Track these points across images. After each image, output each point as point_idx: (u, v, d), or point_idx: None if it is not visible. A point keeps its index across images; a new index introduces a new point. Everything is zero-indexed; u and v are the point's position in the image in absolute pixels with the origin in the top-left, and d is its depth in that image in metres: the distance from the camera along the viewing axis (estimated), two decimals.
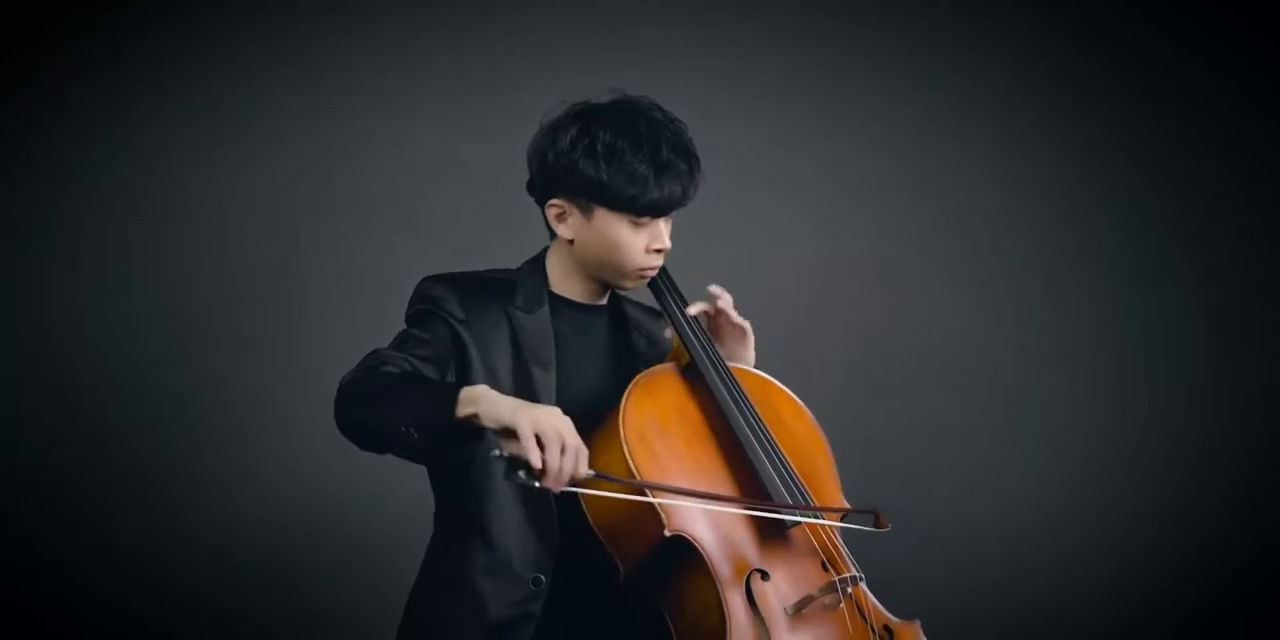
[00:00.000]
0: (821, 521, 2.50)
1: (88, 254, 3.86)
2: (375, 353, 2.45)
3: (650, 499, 2.40)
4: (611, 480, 2.36)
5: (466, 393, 2.29)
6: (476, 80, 4.05)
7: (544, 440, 2.23)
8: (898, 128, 4.27)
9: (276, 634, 3.89)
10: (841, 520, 2.57)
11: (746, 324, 2.68)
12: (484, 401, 2.27)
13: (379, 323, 3.87)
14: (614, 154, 2.48)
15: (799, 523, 2.49)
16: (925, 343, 4.26)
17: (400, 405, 2.30)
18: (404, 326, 2.56)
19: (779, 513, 2.48)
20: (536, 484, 2.25)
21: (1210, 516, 4.26)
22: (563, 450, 2.24)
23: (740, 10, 4.20)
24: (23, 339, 3.82)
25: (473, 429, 2.30)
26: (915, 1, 4.26)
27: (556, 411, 2.27)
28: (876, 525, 2.46)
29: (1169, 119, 4.31)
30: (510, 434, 2.25)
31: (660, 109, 2.55)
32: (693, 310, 2.63)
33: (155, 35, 3.91)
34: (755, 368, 2.71)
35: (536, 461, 2.22)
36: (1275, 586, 4.24)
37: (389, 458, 3.81)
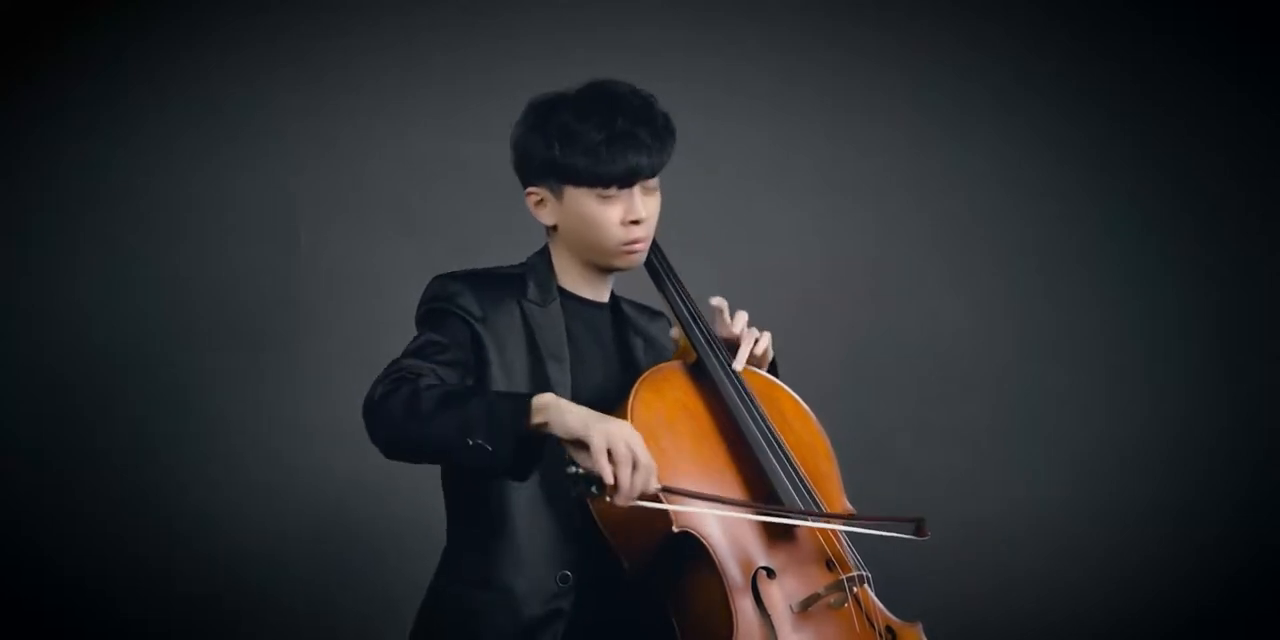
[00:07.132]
0: (870, 531, 2.48)
1: (88, 254, 3.85)
2: (398, 364, 2.39)
3: (717, 511, 2.40)
4: (678, 493, 2.35)
5: (537, 401, 2.26)
6: (476, 80, 4.04)
7: (616, 457, 2.21)
8: (898, 128, 4.27)
9: (277, 634, 3.88)
10: (883, 527, 2.54)
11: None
12: (553, 410, 2.25)
13: (379, 323, 3.88)
14: (564, 130, 2.47)
15: (846, 531, 2.50)
16: (925, 343, 4.25)
17: (464, 418, 2.25)
18: (409, 325, 2.54)
19: (831, 522, 2.48)
20: (607, 499, 2.23)
21: (1210, 516, 4.26)
22: (634, 466, 2.22)
23: (740, 10, 4.20)
24: (23, 339, 3.82)
25: (537, 438, 2.27)
26: (915, 1, 4.26)
27: (627, 425, 2.25)
28: (917, 534, 2.43)
29: (1169, 119, 4.31)
30: (580, 445, 2.24)
31: (627, 85, 2.53)
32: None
33: (155, 35, 3.90)
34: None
35: (609, 478, 2.21)
36: (1275, 586, 4.23)
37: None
